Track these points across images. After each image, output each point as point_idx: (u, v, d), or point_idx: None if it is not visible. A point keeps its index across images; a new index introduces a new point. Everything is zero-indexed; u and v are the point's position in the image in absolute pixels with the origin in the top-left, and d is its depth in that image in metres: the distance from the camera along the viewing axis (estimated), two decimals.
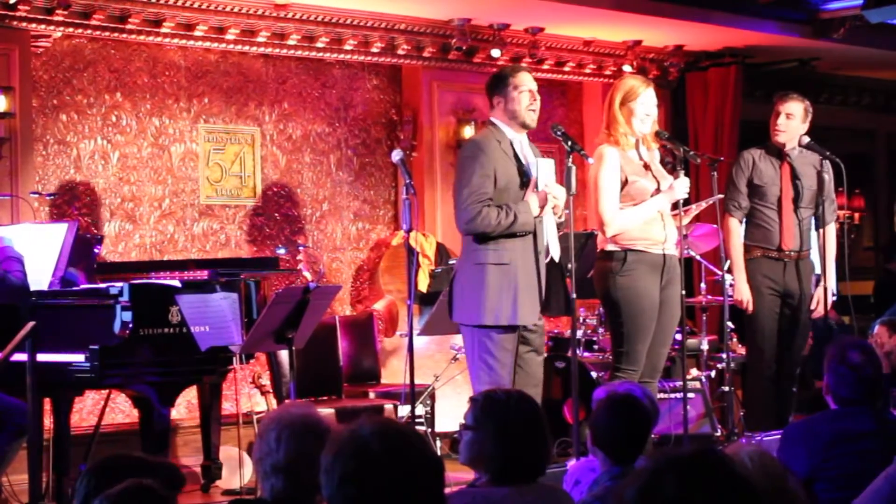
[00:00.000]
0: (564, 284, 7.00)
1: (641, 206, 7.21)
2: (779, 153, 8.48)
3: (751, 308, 8.38)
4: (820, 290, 8.51)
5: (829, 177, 8.51)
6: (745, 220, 8.56)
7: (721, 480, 2.36)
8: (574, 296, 6.92)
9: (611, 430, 4.63)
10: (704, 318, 9.51)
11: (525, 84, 6.88)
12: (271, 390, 8.64)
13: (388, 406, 8.80)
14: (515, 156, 6.84)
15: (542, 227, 6.79)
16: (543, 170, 6.81)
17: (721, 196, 8.11)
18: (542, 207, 6.72)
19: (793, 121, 8.45)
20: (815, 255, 8.63)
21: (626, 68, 11.18)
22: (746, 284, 8.38)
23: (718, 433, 8.85)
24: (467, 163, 6.79)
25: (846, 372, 5.02)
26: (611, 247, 7.24)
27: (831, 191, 8.60)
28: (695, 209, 7.67)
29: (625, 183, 7.21)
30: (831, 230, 8.63)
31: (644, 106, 7.27)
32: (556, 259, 6.92)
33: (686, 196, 7.26)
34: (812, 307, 8.54)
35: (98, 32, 8.85)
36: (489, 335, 6.71)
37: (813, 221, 8.56)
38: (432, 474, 2.82)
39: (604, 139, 7.31)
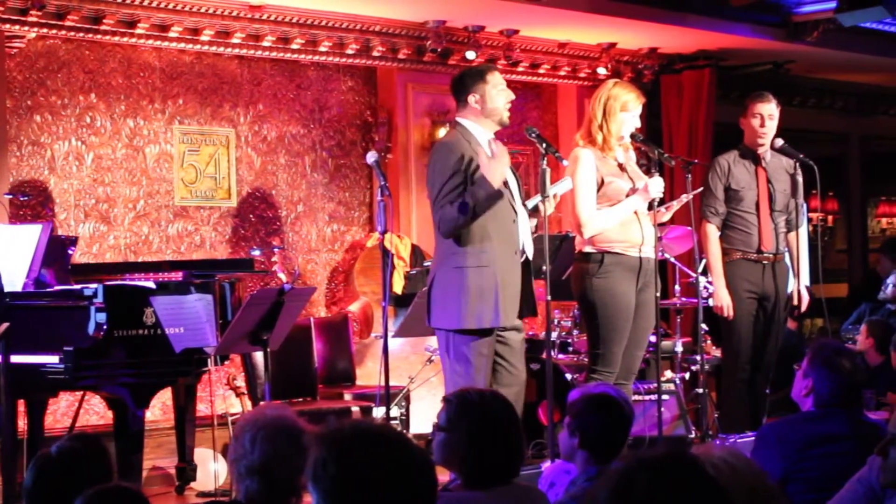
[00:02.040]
0: (532, 284, 6.97)
1: (617, 206, 7.23)
2: (753, 156, 8.48)
3: (731, 314, 8.36)
4: (795, 289, 8.52)
5: (800, 179, 8.53)
6: (722, 224, 8.54)
7: (691, 481, 2.37)
8: (549, 298, 6.93)
9: (594, 425, 4.63)
10: (678, 320, 9.53)
11: (502, 83, 6.88)
12: (246, 392, 8.64)
13: (355, 408, 8.81)
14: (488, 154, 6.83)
15: (516, 227, 6.77)
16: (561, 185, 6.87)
17: (698, 191, 8.11)
18: (490, 169, 6.61)
19: (773, 121, 8.44)
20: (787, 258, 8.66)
21: (601, 71, 11.21)
22: (726, 290, 8.34)
23: (693, 435, 8.87)
24: (436, 167, 6.76)
25: (836, 375, 5.04)
26: (588, 248, 7.25)
27: (801, 194, 8.62)
28: (676, 205, 7.64)
29: (601, 184, 7.22)
30: (804, 232, 8.66)
31: (635, 118, 7.33)
32: (530, 258, 6.90)
33: (661, 196, 7.28)
34: (795, 303, 8.55)
35: (72, 33, 8.83)
36: (466, 340, 6.66)
37: (784, 223, 8.56)
38: (427, 473, 2.83)
39: (584, 139, 7.32)
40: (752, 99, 8.51)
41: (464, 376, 6.61)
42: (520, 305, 6.83)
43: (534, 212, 6.96)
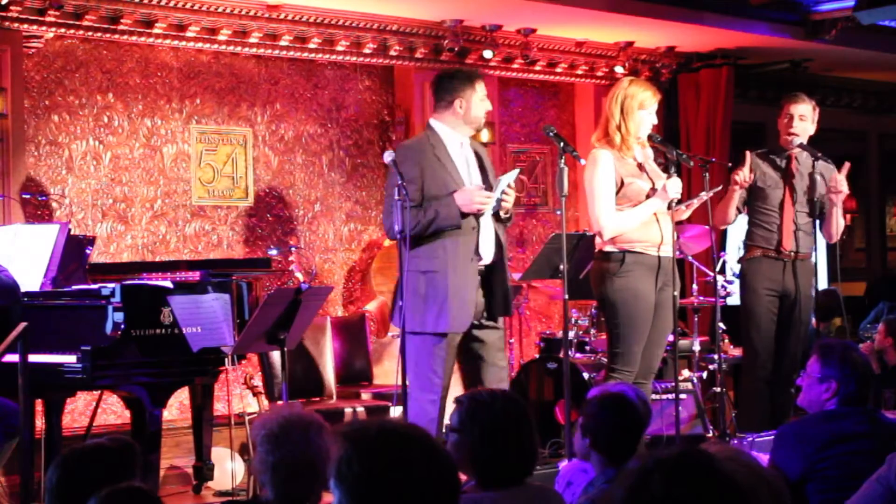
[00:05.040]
0: (506, 284, 7.02)
1: (637, 208, 7.23)
2: (784, 156, 8.50)
3: (747, 175, 8.32)
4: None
5: (821, 178, 8.53)
6: (746, 220, 8.54)
7: (707, 479, 2.37)
8: (566, 297, 6.93)
9: (606, 426, 4.62)
10: (696, 319, 9.52)
11: (485, 92, 7.03)
12: (263, 391, 8.63)
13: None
14: (453, 160, 6.89)
15: (476, 234, 6.81)
16: (506, 180, 6.86)
17: (717, 189, 8.11)
18: (467, 206, 6.68)
19: (805, 122, 8.48)
20: (819, 257, 8.66)
21: (618, 69, 11.19)
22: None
23: (710, 434, 8.86)
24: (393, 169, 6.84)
25: (857, 370, 5.05)
26: (608, 248, 7.26)
27: (819, 192, 8.61)
28: (696, 202, 7.64)
29: (620, 185, 7.22)
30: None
31: (652, 115, 7.33)
32: (489, 261, 6.94)
33: (678, 196, 7.28)
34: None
35: (90, 33, 8.85)
36: (424, 342, 6.80)
37: (810, 224, 8.54)
38: (450, 473, 2.82)
39: (601, 140, 7.32)
40: (785, 99, 8.60)
41: (420, 376, 6.75)
42: (493, 306, 6.96)
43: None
